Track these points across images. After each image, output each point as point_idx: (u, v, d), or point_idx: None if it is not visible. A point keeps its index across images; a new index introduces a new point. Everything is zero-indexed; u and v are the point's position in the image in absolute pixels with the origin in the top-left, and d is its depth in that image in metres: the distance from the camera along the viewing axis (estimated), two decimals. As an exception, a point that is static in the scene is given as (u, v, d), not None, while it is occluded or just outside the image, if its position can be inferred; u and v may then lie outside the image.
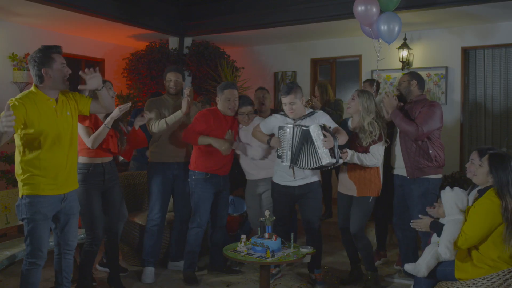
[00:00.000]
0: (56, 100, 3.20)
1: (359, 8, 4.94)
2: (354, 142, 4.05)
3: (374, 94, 4.86)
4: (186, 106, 4.37)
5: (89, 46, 7.63)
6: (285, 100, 3.96)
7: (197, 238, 4.43)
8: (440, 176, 4.22)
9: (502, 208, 2.93)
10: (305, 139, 3.83)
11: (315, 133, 3.77)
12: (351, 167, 4.09)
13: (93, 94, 3.49)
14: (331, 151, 3.75)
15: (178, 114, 4.40)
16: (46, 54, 3.12)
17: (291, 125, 3.94)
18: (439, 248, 3.08)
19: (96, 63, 7.85)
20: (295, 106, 3.96)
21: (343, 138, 3.92)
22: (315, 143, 3.77)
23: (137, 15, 6.78)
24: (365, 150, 4.03)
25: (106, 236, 4.08)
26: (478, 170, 3.16)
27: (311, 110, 4.15)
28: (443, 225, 3.17)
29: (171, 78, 4.58)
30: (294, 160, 3.93)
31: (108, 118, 3.81)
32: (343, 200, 4.24)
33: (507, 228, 2.91)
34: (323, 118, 4.04)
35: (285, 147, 3.97)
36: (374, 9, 4.93)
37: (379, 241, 5.09)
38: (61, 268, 3.43)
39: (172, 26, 7.42)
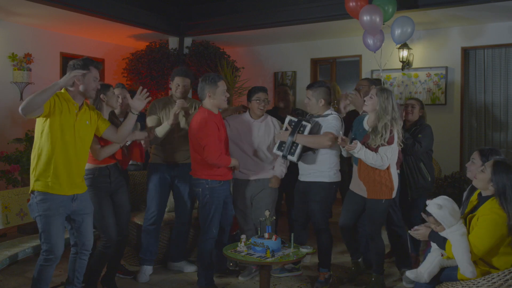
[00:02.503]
0: (80, 107, 3.41)
1: (365, 18, 5.02)
2: (365, 142, 3.97)
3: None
4: (173, 118, 4.26)
5: (89, 46, 7.63)
6: (306, 93, 4.35)
7: (212, 249, 4.20)
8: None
9: (508, 220, 2.86)
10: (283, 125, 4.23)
11: (285, 123, 4.19)
12: (361, 167, 4.03)
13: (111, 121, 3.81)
14: (283, 144, 4.13)
15: (166, 126, 4.30)
16: (87, 63, 3.43)
17: (288, 117, 4.27)
18: (463, 271, 2.91)
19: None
20: (310, 102, 4.28)
21: (309, 142, 4.09)
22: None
23: (137, 15, 6.78)
24: (375, 151, 3.94)
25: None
26: (479, 175, 3.07)
27: (328, 112, 4.27)
28: (443, 237, 3.08)
29: (179, 83, 4.46)
30: (275, 146, 4.25)
31: (128, 139, 3.93)
32: (353, 198, 4.17)
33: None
34: (328, 121, 4.19)
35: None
36: (378, 19, 5.00)
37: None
38: (75, 268, 3.56)
39: (172, 26, 7.42)
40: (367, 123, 4.05)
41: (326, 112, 4.27)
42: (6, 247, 3.96)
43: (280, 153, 4.16)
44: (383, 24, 5.45)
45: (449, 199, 3.13)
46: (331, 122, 4.18)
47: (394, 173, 4.04)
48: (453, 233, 3.01)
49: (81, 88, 3.37)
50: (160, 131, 4.34)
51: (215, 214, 4.13)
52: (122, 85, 4.51)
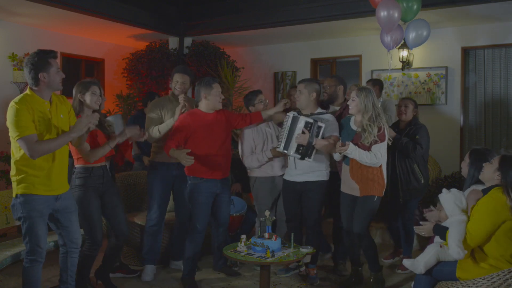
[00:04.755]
0: (50, 102, 3.27)
1: (382, 14, 4.97)
2: (357, 141, 3.99)
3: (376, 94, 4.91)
4: (179, 114, 4.29)
5: (89, 46, 7.63)
6: (297, 87, 4.36)
7: (196, 244, 4.28)
8: None
9: (510, 207, 2.93)
10: (293, 125, 4.14)
11: (300, 124, 4.09)
12: (353, 166, 4.04)
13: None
14: (301, 147, 4.09)
15: (170, 122, 4.32)
16: (43, 58, 3.18)
17: (291, 114, 4.19)
18: (451, 251, 3.02)
19: (96, 63, 7.87)
20: (301, 96, 4.28)
21: (324, 146, 4.08)
22: (294, 133, 4.11)
23: (137, 15, 6.78)
24: (368, 149, 3.97)
25: (113, 236, 4.08)
26: (487, 166, 3.15)
27: (321, 110, 4.33)
28: (446, 228, 3.13)
29: (178, 79, 4.52)
30: (286, 146, 4.16)
31: (115, 141, 3.80)
32: (347, 200, 4.15)
33: None
34: (328, 121, 4.19)
35: (283, 133, 4.20)
36: (396, 14, 4.95)
37: (395, 239, 5.08)
38: (67, 266, 3.51)
39: (172, 26, 7.42)
40: (354, 124, 4.09)
41: (320, 110, 4.31)
42: (7, 247, 3.96)
43: (298, 156, 4.14)
44: (404, 23, 5.37)
45: (461, 192, 3.25)
46: (334, 123, 4.22)
47: (385, 171, 4.08)
48: (453, 219, 3.12)
49: (47, 85, 3.19)
50: (164, 128, 4.35)
51: (197, 210, 4.24)
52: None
